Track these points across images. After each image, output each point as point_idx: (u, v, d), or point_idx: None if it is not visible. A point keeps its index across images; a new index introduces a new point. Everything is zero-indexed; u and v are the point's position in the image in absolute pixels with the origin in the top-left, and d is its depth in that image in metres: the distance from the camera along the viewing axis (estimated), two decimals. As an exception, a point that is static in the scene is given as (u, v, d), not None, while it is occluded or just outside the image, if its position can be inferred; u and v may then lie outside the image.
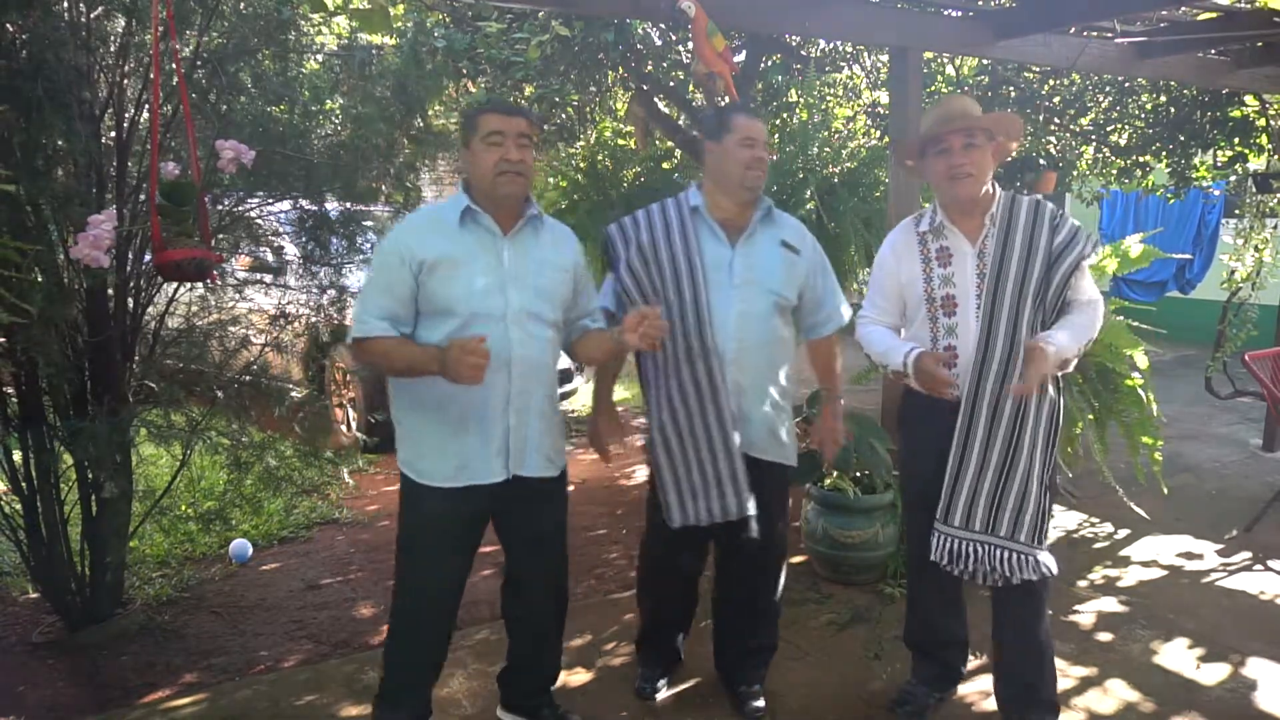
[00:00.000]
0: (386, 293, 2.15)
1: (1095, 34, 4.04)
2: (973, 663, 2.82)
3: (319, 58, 3.74)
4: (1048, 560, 2.39)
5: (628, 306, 2.47)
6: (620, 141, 5.25)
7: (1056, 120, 6.00)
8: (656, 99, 5.20)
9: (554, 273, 2.29)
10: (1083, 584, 3.62)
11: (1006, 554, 2.37)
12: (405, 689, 2.37)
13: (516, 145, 2.15)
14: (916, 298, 2.48)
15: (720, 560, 2.71)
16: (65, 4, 2.82)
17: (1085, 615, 3.34)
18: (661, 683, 2.78)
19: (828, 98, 6.11)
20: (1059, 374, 2.37)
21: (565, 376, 6.17)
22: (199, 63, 3.01)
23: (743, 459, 2.42)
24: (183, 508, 4.21)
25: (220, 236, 3.21)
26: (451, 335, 2.11)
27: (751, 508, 2.43)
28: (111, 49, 2.94)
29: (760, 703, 2.66)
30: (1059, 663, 2.63)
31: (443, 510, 2.23)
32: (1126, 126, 6.12)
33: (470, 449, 2.19)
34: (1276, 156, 5.61)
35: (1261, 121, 5.44)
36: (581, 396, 6.77)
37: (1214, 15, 3.83)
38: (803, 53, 5.57)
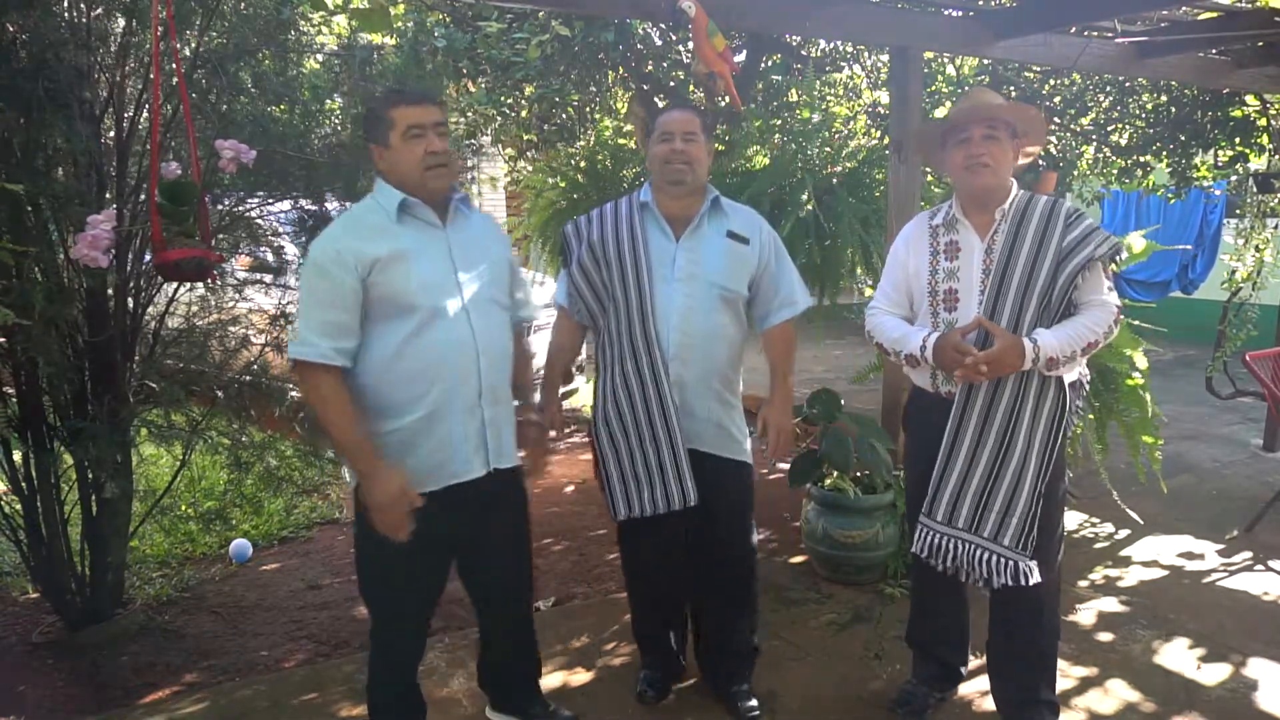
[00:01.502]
0: (329, 305, 2.02)
1: (1096, 34, 4.03)
2: (973, 662, 2.81)
3: (319, 58, 3.75)
4: (1028, 568, 2.32)
5: (578, 303, 2.54)
6: (621, 141, 5.25)
7: (1057, 120, 6.00)
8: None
9: (495, 255, 2.28)
10: (1083, 584, 3.61)
11: (987, 555, 2.35)
12: (397, 702, 2.36)
13: (437, 134, 2.09)
14: (920, 290, 2.46)
15: (691, 560, 2.68)
16: (65, 4, 2.82)
17: (1085, 615, 3.34)
18: (664, 685, 2.75)
19: (828, 98, 6.12)
20: (1052, 374, 2.29)
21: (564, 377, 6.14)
22: (199, 63, 3.01)
23: (686, 451, 2.43)
24: (183, 508, 4.22)
25: (220, 236, 3.21)
26: (411, 334, 2.06)
27: (694, 497, 2.43)
28: (111, 49, 2.94)
29: (753, 701, 2.65)
30: (1060, 663, 2.62)
31: (423, 517, 2.09)
32: (1127, 126, 6.13)
33: (448, 447, 2.14)
34: (1277, 156, 5.61)
35: (1262, 121, 5.43)
36: (583, 396, 6.77)
37: (1214, 15, 3.82)
38: (803, 53, 5.58)
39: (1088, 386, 2.56)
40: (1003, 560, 2.33)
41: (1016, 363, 2.24)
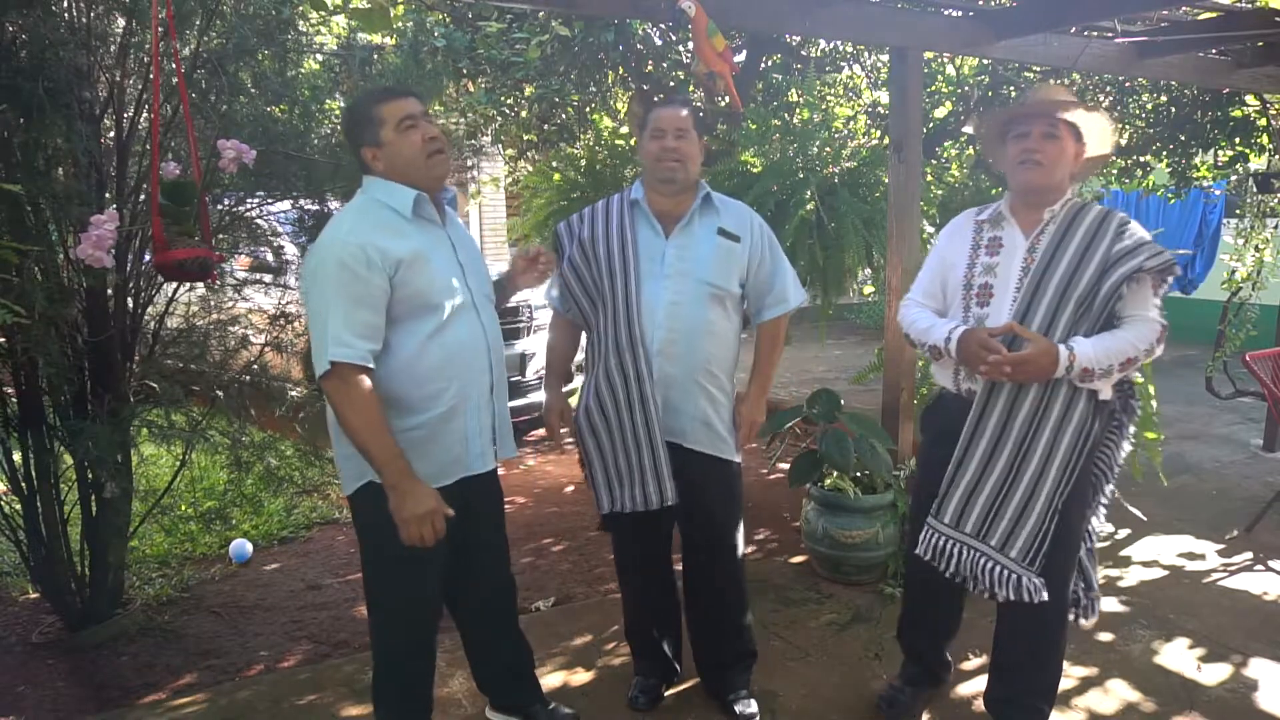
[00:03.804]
0: (362, 305, 1.96)
1: (1096, 34, 4.03)
2: (974, 662, 2.81)
3: (319, 58, 3.75)
4: (1033, 585, 2.25)
5: (569, 301, 2.54)
6: (618, 142, 5.25)
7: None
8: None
9: (479, 253, 2.33)
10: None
11: (992, 565, 2.28)
12: (404, 706, 2.33)
13: (428, 123, 2.11)
14: (955, 283, 2.40)
15: (683, 559, 2.67)
16: (65, 4, 2.82)
17: (1086, 615, 3.34)
18: (658, 692, 2.73)
19: (828, 98, 6.12)
20: (1085, 385, 2.20)
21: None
22: (199, 63, 3.01)
23: (666, 449, 2.41)
24: (183, 508, 4.22)
25: (220, 236, 3.21)
26: (433, 333, 2.06)
27: (673, 497, 2.42)
28: (111, 49, 2.94)
29: (752, 707, 2.64)
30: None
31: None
32: (1127, 126, 6.13)
33: (464, 442, 2.17)
34: (1277, 156, 5.61)
35: (1262, 121, 5.44)
36: (582, 396, 6.77)
37: (1214, 15, 3.82)
38: (803, 53, 5.58)
39: (1138, 411, 2.44)
40: (1007, 572, 2.27)
41: (1048, 368, 2.16)
